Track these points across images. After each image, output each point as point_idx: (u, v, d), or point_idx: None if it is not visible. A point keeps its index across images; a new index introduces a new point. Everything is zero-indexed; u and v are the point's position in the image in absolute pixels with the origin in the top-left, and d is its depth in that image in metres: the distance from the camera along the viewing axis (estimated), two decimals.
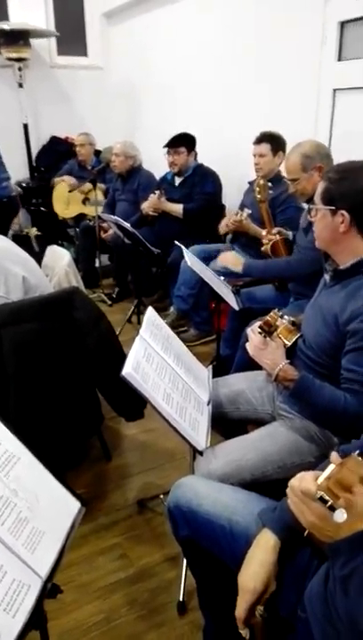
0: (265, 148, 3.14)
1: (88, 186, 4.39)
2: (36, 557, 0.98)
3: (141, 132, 4.99)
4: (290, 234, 2.69)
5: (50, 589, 0.98)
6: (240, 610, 1.05)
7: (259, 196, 2.80)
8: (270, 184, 2.80)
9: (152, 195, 3.80)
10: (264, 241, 2.77)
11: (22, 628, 0.87)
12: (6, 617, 0.87)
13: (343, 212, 1.41)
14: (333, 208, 1.43)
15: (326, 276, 1.58)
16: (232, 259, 2.64)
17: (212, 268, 2.76)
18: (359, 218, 1.41)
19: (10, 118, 4.88)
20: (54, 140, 5.28)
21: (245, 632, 1.06)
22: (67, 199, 4.67)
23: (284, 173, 3.17)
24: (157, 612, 1.68)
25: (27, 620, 0.89)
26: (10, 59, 4.65)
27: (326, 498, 0.79)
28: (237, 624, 1.06)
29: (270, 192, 2.95)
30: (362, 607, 0.78)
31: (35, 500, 1.06)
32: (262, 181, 2.80)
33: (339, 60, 3.07)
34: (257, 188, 2.81)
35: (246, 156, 3.27)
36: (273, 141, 3.14)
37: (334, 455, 0.90)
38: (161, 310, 3.28)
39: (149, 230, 3.87)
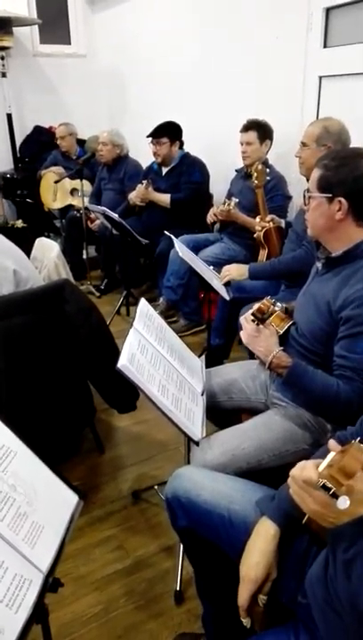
0: (252, 135, 3.13)
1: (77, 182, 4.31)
2: (37, 552, 0.98)
3: (128, 121, 4.94)
4: (282, 222, 2.68)
5: (51, 583, 0.98)
6: (242, 599, 1.06)
7: (256, 182, 2.76)
8: (267, 170, 2.76)
9: (139, 184, 3.77)
10: (257, 228, 2.76)
11: (25, 623, 0.87)
12: (9, 612, 0.86)
13: (341, 199, 1.41)
14: (330, 195, 1.42)
15: (318, 264, 1.59)
16: (236, 270, 2.58)
17: (201, 258, 2.75)
18: (357, 205, 1.41)
19: None
20: (38, 130, 5.20)
21: (246, 621, 1.07)
22: (54, 190, 4.62)
23: (272, 162, 3.19)
24: (155, 602, 1.69)
25: (29, 615, 0.88)
26: None
27: (329, 485, 0.79)
28: (240, 613, 1.07)
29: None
30: None
31: (33, 495, 1.06)
32: (259, 166, 2.76)
33: (325, 46, 3.05)
34: (255, 174, 2.78)
35: (233, 144, 3.26)
36: (260, 129, 3.13)
37: (332, 443, 0.91)
38: (150, 301, 3.26)
39: (137, 220, 3.84)
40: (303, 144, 2.38)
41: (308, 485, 0.86)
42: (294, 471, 0.92)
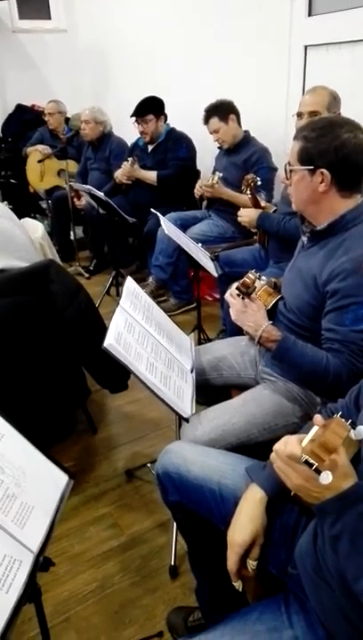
0: (214, 122, 3.09)
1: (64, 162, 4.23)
2: (27, 532, 0.98)
3: (111, 96, 4.85)
4: (274, 208, 2.63)
5: (42, 563, 0.98)
6: (231, 562, 1.07)
7: (249, 194, 2.61)
8: (254, 176, 2.59)
9: (125, 162, 3.71)
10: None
11: (16, 603, 0.87)
12: (0, 593, 0.87)
13: (323, 170, 1.38)
14: (311, 168, 1.40)
15: (304, 238, 1.57)
16: (249, 214, 2.54)
17: (189, 236, 2.72)
18: (339, 175, 1.38)
19: None
20: (20, 109, 5.09)
21: (238, 584, 1.08)
22: (41, 171, 4.54)
23: (253, 134, 3.13)
24: (150, 578, 1.71)
25: (20, 595, 0.89)
26: None
27: (311, 461, 0.79)
28: (231, 577, 1.08)
29: (241, 155, 2.89)
30: (351, 567, 0.80)
31: (22, 476, 1.05)
32: (249, 177, 2.58)
33: (309, 15, 2.99)
34: (243, 188, 2.64)
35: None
36: (218, 111, 3.08)
37: (317, 417, 0.90)
38: (140, 281, 3.25)
39: (124, 199, 3.79)
40: (312, 113, 2.32)
41: (291, 460, 0.86)
42: (278, 446, 0.92)
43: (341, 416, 0.87)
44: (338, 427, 0.81)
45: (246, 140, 3.15)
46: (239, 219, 2.61)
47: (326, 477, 0.78)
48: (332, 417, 0.88)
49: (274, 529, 1.11)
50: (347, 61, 2.80)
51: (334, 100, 2.36)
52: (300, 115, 2.39)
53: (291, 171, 1.46)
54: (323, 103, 2.34)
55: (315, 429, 0.84)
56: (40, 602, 1.06)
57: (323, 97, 2.35)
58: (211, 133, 3.14)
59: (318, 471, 0.79)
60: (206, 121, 3.11)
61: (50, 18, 5.23)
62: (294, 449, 0.85)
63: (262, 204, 2.63)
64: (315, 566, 0.94)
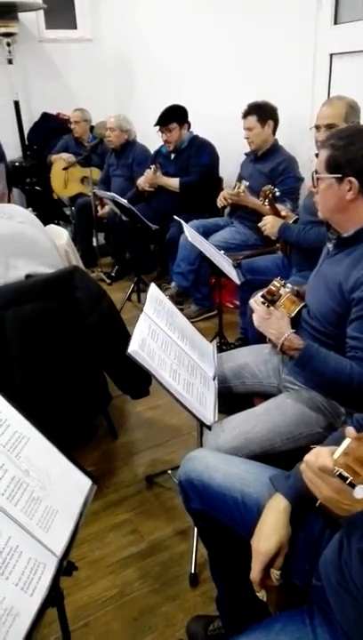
0: (252, 120, 3.09)
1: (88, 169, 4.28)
2: (51, 536, 0.98)
3: (135, 105, 4.88)
4: (294, 217, 2.62)
5: (65, 567, 0.99)
6: (255, 572, 1.06)
7: (267, 206, 2.60)
8: (272, 187, 2.58)
9: (148, 170, 3.74)
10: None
11: (40, 606, 0.88)
12: (24, 596, 0.87)
13: (351, 178, 1.38)
14: (339, 176, 1.39)
15: (329, 245, 1.56)
16: (271, 222, 2.54)
17: (211, 243, 2.72)
18: None
19: (0, 96, 4.77)
20: (46, 117, 5.16)
21: (261, 594, 1.07)
22: (65, 178, 4.59)
23: (282, 143, 3.14)
24: (170, 585, 1.70)
25: (44, 598, 0.89)
26: None
27: (346, 475, 0.77)
28: (254, 587, 1.07)
29: (268, 163, 2.88)
30: None
31: (47, 479, 1.06)
32: (267, 189, 2.58)
33: (335, 23, 2.99)
34: (261, 199, 2.63)
35: (242, 126, 3.20)
36: (260, 111, 3.07)
37: (350, 429, 0.88)
38: (161, 287, 3.25)
39: (146, 206, 3.82)
40: (329, 126, 2.31)
41: (323, 472, 0.85)
42: (309, 457, 0.90)
43: None
44: None
45: (275, 149, 3.15)
46: (262, 227, 2.60)
47: (361, 492, 0.76)
48: (362, 429, 0.87)
49: (298, 540, 1.10)
50: None
51: (352, 109, 2.33)
52: (318, 127, 2.38)
53: (318, 179, 1.45)
54: (340, 115, 2.32)
55: (347, 442, 0.82)
56: (62, 606, 1.07)
57: (339, 108, 2.33)
58: (244, 129, 3.14)
59: (352, 485, 0.77)
60: (245, 116, 3.12)
61: (76, 28, 5.31)
62: (327, 461, 0.84)
63: (283, 213, 2.62)
64: (340, 578, 0.93)
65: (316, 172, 1.47)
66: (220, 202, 3.24)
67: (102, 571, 1.76)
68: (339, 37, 2.95)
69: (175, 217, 2.86)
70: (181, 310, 3.44)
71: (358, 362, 1.37)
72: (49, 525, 1.00)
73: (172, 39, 4.33)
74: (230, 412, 1.65)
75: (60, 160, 4.55)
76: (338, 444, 0.88)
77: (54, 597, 0.96)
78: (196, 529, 1.69)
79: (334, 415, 1.54)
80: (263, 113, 3.07)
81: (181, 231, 3.17)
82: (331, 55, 3.03)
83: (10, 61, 4.69)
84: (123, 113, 4.16)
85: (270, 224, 2.54)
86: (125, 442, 2.40)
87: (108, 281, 4.24)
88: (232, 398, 1.78)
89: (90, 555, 1.81)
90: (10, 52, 4.65)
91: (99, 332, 1.99)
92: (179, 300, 3.62)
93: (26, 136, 5.08)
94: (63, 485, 1.10)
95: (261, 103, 3.09)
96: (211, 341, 1.91)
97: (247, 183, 3.06)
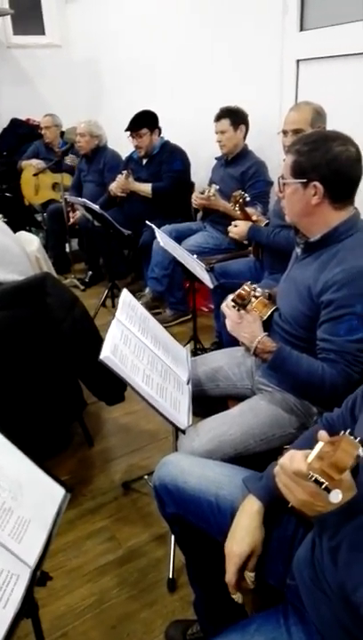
0: (225, 123, 3.11)
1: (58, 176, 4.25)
2: (24, 547, 0.97)
3: (106, 111, 4.88)
4: (265, 221, 2.65)
5: (39, 577, 0.98)
6: (230, 574, 1.06)
7: (238, 211, 2.61)
8: (242, 192, 2.61)
9: (120, 175, 3.74)
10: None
11: (13, 618, 0.87)
12: None
13: (316, 183, 1.40)
14: (304, 181, 1.41)
15: (298, 250, 1.59)
16: (240, 227, 2.57)
17: (184, 247, 2.73)
18: (332, 188, 1.40)
19: None
20: (15, 123, 5.12)
21: (237, 596, 1.08)
22: (35, 185, 4.56)
23: (251, 147, 3.17)
24: (148, 591, 1.69)
25: (17, 610, 0.88)
26: None
27: (321, 480, 0.78)
28: (229, 590, 1.07)
29: (239, 167, 2.90)
30: (351, 578, 0.80)
31: (18, 490, 1.05)
32: (237, 194, 2.60)
33: (301, 30, 3.04)
34: (231, 204, 2.66)
35: (212, 131, 3.23)
36: (232, 116, 3.11)
37: (322, 433, 0.88)
38: (135, 292, 3.25)
39: (118, 211, 3.81)
40: (296, 131, 2.33)
41: (298, 477, 0.85)
42: (284, 461, 0.89)
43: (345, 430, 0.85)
44: (348, 445, 0.79)
45: (245, 153, 3.18)
46: (230, 234, 2.63)
47: (336, 496, 0.76)
48: (331, 428, 0.88)
49: (271, 540, 1.11)
50: (339, 75, 2.84)
51: (319, 115, 2.36)
52: (285, 132, 2.42)
53: (284, 184, 1.47)
54: (306, 120, 2.35)
55: (320, 445, 0.83)
56: (37, 617, 1.06)
57: (306, 114, 2.36)
58: (216, 133, 3.16)
59: (327, 489, 0.78)
60: (218, 119, 3.14)
61: (44, 33, 5.29)
62: (301, 465, 0.83)
63: (254, 217, 2.64)
64: (313, 577, 0.94)
65: (282, 177, 1.49)
66: (194, 201, 3.24)
67: (80, 579, 1.74)
68: (305, 44, 3.00)
69: (148, 222, 2.86)
70: (158, 315, 3.46)
71: (330, 363, 1.39)
72: (21, 536, 0.99)
73: (141, 45, 4.35)
74: (205, 414, 1.66)
75: (30, 166, 4.52)
76: (309, 443, 0.89)
77: (28, 609, 0.95)
78: (172, 534, 1.69)
79: (307, 415, 1.57)
80: (236, 117, 3.11)
81: (154, 236, 3.17)
82: (298, 61, 3.07)
83: None
84: (93, 118, 4.14)
85: (237, 231, 2.56)
86: (102, 449, 2.39)
87: (82, 287, 4.21)
88: (207, 401, 1.79)
89: (67, 564, 1.79)
90: None
91: (72, 338, 1.98)
92: (155, 305, 3.62)
93: None
94: (35, 495, 1.09)
95: (233, 108, 3.12)
96: (185, 345, 1.91)
97: (218, 187, 3.08)
